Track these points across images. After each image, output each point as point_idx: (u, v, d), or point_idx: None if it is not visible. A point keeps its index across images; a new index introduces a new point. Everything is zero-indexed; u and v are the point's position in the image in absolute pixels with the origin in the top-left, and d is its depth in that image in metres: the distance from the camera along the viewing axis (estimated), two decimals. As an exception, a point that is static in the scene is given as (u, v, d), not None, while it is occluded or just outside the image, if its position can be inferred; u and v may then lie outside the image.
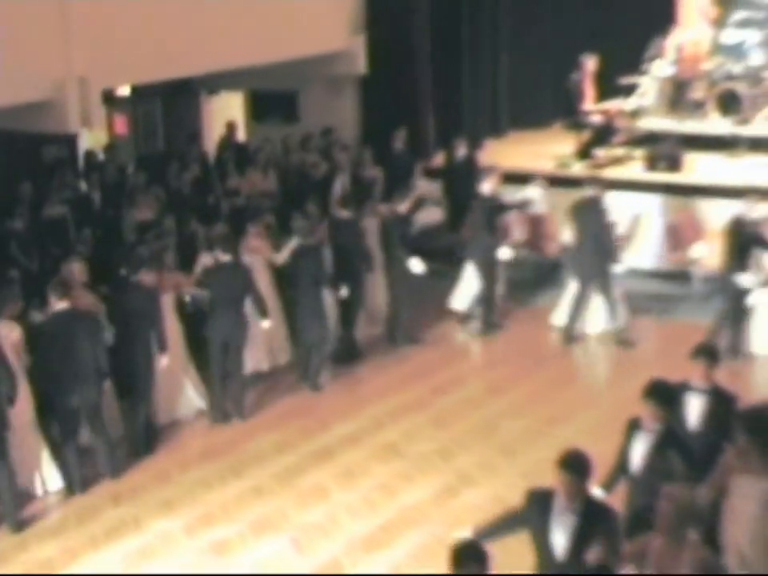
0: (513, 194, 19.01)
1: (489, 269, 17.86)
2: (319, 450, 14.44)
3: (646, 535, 8.70)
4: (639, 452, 10.00)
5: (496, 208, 17.80)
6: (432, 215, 20.06)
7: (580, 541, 8.64)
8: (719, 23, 22.92)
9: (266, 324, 15.52)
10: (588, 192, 17.35)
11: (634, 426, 10.21)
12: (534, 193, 18.88)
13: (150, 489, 13.70)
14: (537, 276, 20.00)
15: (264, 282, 16.23)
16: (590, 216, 17.14)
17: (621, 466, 10.27)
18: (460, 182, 19.08)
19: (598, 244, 17.02)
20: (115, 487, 13.74)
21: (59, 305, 13.07)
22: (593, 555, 8.52)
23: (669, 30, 22.22)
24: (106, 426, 13.53)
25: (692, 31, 22.65)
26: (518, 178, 20.48)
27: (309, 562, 11.97)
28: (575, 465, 8.85)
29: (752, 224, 16.04)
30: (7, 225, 16.83)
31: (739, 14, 22.76)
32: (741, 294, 16.35)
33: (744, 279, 16.07)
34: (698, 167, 20.27)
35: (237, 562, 12.03)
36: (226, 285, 14.87)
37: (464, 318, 18.20)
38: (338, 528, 12.60)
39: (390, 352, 17.61)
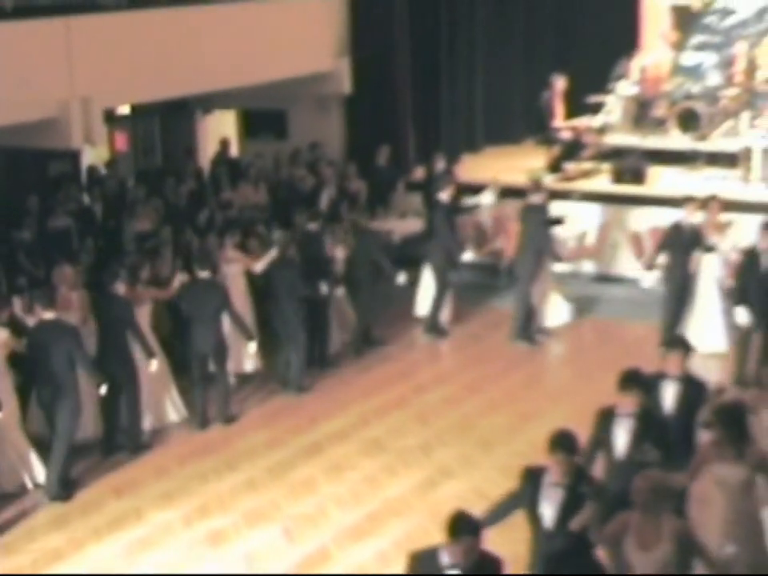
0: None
1: (444, 273, 17.88)
2: (308, 446, 14.45)
3: (625, 514, 8.78)
4: (622, 437, 10.15)
5: (451, 213, 17.85)
6: (412, 226, 20.01)
7: (568, 512, 8.92)
8: (679, 46, 22.97)
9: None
10: (533, 199, 17.45)
11: (607, 415, 10.40)
12: (487, 198, 18.85)
13: (149, 482, 13.70)
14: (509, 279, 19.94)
15: (239, 290, 16.19)
16: (532, 221, 17.24)
17: (592, 453, 10.46)
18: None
19: (538, 248, 17.13)
20: (117, 481, 13.74)
21: (45, 314, 13.00)
22: (576, 523, 8.76)
23: (632, 53, 22.26)
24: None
25: (654, 54, 22.70)
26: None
27: (299, 550, 12.00)
28: (566, 443, 9.18)
29: (691, 228, 16.28)
30: (15, 235, 16.83)
31: (697, 38, 22.81)
32: (683, 291, 16.63)
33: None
34: (661, 180, 20.28)
35: (232, 551, 12.05)
36: (202, 300, 14.74)
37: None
38: (327, 518, 12.62)
39: (373, 354, 17.57)
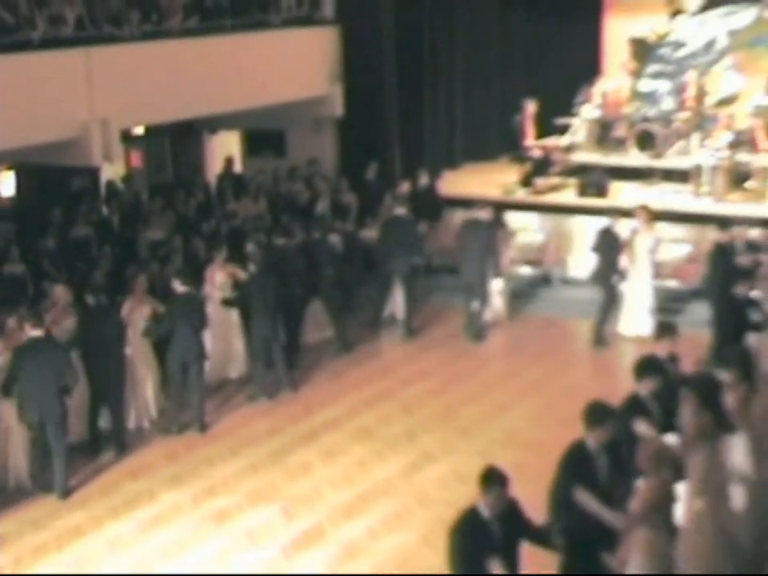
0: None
1: (410, 280, 17.91)
2: (305, 433, 14.45)
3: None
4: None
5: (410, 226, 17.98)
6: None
7: (509, 547, 8.35)
8: (636, 74, 23.04)
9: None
10: (480, 214, 17.50)
11: (579, 455, 9.50)
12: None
13: (161, 466, 13.70)
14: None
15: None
16: (477, 233, 17.28)
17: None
18: (423, 206, 19.03)
19: (482, 257, 17.22)
20: (132, 465, 13.73)
21: (33, 332, 12.68)
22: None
23: (595, 80, 22.31)
24: (66, 434, 13.05)
25: (614, 81, 22.77)
26: (471, 202, 20.68)
27: (296, 527, 12.02)
28: (498, 478, 8.38)
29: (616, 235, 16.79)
30: (41, 244, 16.80)
31: (652, 68, 22.89)
32: (614, 289, 16.93)
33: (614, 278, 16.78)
34: (621, 193, 20.32)
35: (235, 528, 12.05)
36: (183, 313, 14.40)
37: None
38: (321, 498, 12.64)
39: (363, 351, 17.56)
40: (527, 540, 8.62)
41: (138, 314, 14.49)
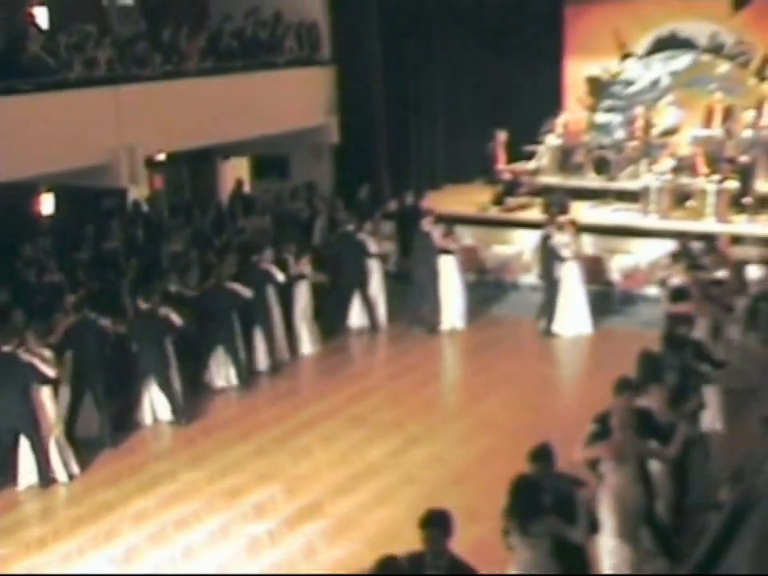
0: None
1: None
2: (306, 421, 14.45)
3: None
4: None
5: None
6: (386, 247, 19.97)
7: None
8: (592, 108, 23.12)
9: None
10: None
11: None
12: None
13: (181, 449, 13.74)
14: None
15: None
16: (425, 242, 17.59)
17: None
18: (408, 222, 19.09)
19: (432, 263, 17.52)
20: (156, 448, 13.78)
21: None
22: None
23: (557, 113, 22.35)
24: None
25: (574, 114, 22.82)
26: (450, 219, 20.77)
27: (298, 503, 12.03)
28: (438, 522, 7.23)
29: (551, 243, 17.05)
30: (76, 256, 16.82)
31: (606, 103, 22.98)
32: (555, 290, 17.09)
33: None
34: (580, 211, 20.37)
35: (244, 503, 12.08)
36: (145, 329, 14.06)
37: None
38: (320, 478, 12.64)
39: (355, 349, 17.58)
40: None
41: None
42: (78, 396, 13.68)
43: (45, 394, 12.76)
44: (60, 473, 12.79)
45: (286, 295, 16.51)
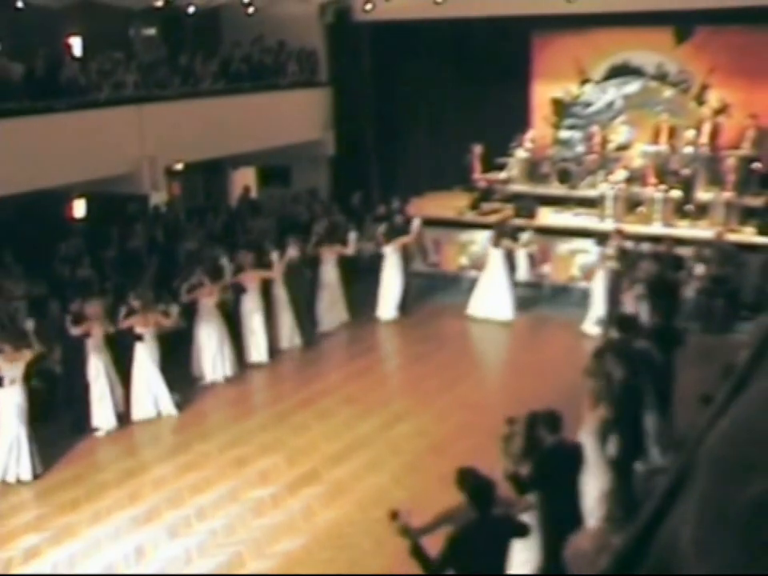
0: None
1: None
2: (304, 399, 14.50)
3: None
4: None
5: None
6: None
7: None
8: (556, 126, 23.12)
9: None
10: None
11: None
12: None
13: (194, 424, 13.77)
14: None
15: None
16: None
17: None
18: (394, 224, 19.04)
19: None
20: (172, 423, 13.80)
21: None
22: None
23: (526, 130, 22.34)
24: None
25: (540, 130, 22.82)
26: (432, 222, 20.84)
27: (297, 471, 12.11)
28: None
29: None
30: (104, 254, 16.81)
31: (568, 121, 22.97)
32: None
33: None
34: (545, 216, 20.42)
35: (250, 471, 12.13)
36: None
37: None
38: (316, 449, 12.70)
39: (346, 336, 17.60)
40: None
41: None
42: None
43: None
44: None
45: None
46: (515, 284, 18.04)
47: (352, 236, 17.44)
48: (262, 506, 11.20)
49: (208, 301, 14.85)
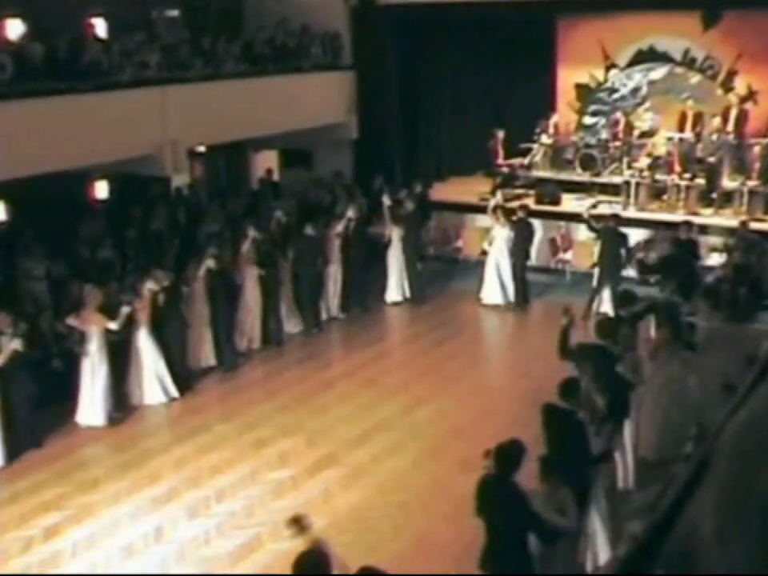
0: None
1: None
2: (324, 381, 14.58)
3: None
4: None
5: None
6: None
7: None
8: (581, 112, 23.05)
9: None
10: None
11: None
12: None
13: (214, 405, 13.89)
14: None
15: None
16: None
17: None
18: (417, 209, 19.06)
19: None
20: (193, 403, 13.88)
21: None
22: None
23: (550, 115, 22.27)
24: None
25: (564, 116, 22.76)
26: (454, 206, 20.90)
27: (316, 453, 12.19)
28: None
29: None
30: (125, 235, 16.87)
31: (592, 107, 22.90)
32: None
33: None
34: (568, 202, 20.37)
35: (269, 453, 12.21)
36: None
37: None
38: (336, 432, 12.76)
39: (366, 319, 17.63)
40: None
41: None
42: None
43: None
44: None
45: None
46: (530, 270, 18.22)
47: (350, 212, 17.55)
48: (281, 488, 11.27)
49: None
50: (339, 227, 17.30)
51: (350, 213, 17.53)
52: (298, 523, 6.66)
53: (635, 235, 17.80)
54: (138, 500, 11.08)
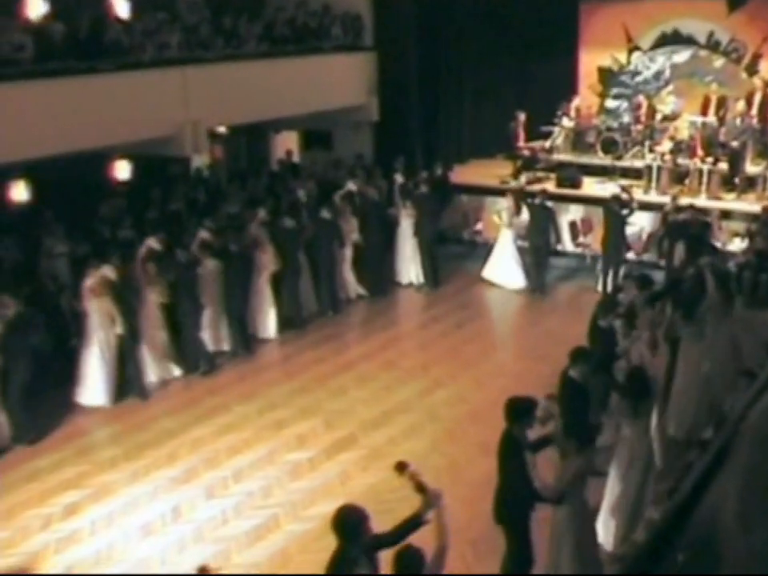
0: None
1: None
2: (343, 363, 14.60)
3: None
4: None
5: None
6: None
7: None
8: (603, 95, 22.96)
9: None
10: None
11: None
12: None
13: (234, 385, 13.89)
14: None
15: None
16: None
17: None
18: (437, 191, 19.01)
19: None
20: (211, 384, 13.91)
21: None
22: None
23: (572, 98, 22.16)
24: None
25: (586, 99, 22.66)
26: (475, 189, 20.87)
27: (334, 435, 12.22)
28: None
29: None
30: (145, 215, 16.90)
31: (615, 90, 22.81)
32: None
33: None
34: (589, 186, 20.29)
35: (288, 434, 12.24)
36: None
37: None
38: (355, 414, 12.80)
39: (386, 302, 17.61)
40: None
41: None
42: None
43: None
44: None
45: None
46: (555, 254, 18.16)
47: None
48: (299, 469, 11.30)
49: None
50: (337, 198, 17.38)
51: (351, 185, 17.57)
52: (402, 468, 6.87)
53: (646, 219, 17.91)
54: (157, 479, 11.15)
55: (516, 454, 7.95)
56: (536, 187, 19.16)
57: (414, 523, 6.71)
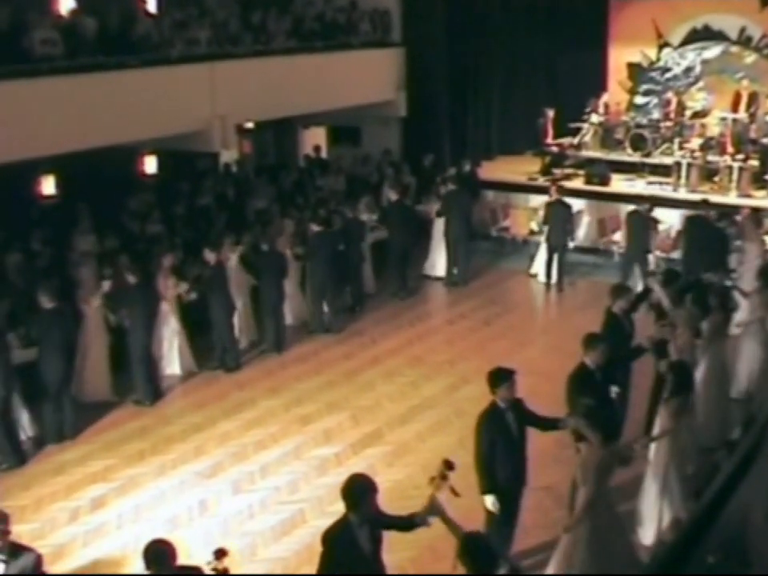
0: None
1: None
2: (371, 358, 14.60)
3: None
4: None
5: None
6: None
7: None
8: (632, 91, 22.87)
9: None
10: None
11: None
12: None
13: (261, 380, 13.91)
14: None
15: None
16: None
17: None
18: (466, 187, 18.95)
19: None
20: (239, 378, 13.93)
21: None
22: None
23: (601, 94, 22.07)
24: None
25: (615, 95, 22.56)
26: (502, 186, 20.81)
27: (361, 430, 12.21)
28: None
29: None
30: (174, 210, 16.95)
31: (644, 86, 22.72)
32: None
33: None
34: (618, 183, 20.18)
35: (315, 429, 12.24)
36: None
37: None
38: (382, 409, 12.79)
39: (414, 297, 17.57)
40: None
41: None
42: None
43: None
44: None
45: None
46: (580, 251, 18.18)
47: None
48: (325, 465, 11.30)
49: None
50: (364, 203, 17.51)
51: (392, 195, 17.72)
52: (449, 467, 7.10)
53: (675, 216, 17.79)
54: (183, 473, 11.17)
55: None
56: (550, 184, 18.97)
57: (412, 523, 6.87)
